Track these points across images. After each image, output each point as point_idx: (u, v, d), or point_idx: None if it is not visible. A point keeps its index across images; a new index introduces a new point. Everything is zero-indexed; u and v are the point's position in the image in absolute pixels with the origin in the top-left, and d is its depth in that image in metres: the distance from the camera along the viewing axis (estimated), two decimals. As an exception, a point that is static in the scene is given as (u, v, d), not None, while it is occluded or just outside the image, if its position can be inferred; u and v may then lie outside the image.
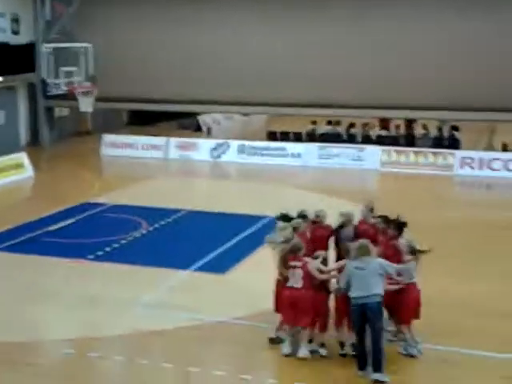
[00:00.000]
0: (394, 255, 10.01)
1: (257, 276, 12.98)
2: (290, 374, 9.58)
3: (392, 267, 9.51)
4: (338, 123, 27.93)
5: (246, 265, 14.04)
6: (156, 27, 27.64)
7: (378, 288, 9.25)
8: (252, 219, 17.22)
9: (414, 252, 9.97)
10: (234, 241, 15.64)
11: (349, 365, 9.53)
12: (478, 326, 10.98)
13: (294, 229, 10.57)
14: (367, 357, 9.31)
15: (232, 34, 26.72)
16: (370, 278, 9.25)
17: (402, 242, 10.21)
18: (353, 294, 9.33)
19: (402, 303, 9.88)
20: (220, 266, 13.90)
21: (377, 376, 9.15)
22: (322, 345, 10.08)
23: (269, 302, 10.51)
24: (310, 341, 10.06)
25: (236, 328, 11.05)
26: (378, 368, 9.17)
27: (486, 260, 14.36)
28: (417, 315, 10.02)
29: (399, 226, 10.45)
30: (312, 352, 9.93)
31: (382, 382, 9.13)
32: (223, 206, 18.73)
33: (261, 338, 10.52)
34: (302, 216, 10.98)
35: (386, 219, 10.69)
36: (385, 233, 10.58)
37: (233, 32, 26.68)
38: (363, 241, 9.69)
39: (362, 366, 9.35)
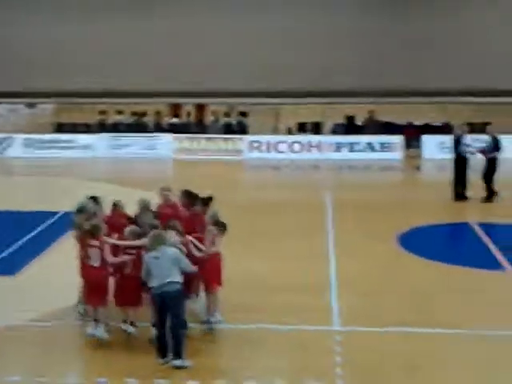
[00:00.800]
0: (200, 230, 10.27)
1: (49, 275, 12.54)
2: (89, 370, 9.41)
3: (187, 265, 9.53)
4: (129, 113, 27.62)
5: (38, 264, 13.44)
6: None
7: (176, 276, 9.31)
8: (43, 215, 16.54)
9: (217, 223, 10.23)
10: (24, 240, 14.91)
11: (150, 354, 9.49)
12: (273, 301, 11.42)
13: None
14: (167, 344, 9.35)
15: (18, 18, 25.29)
16: (167, 266, 9.28)
17: (208, 215, 10.43)
18: (152, 283, 9.32)
19: (205, 272, 10.11)
20: (10, 267, 13.18)
21: (177, 362, 9.22)
22: (132, 323, 9.96)
23: (62, 301, 10.21)
24: (125, 321, 9.91)
25: (30, 330, 10.56)
26: (178, 354, 9.24)
27: (276, 240, 14.97)
28: (219, 283, 10.28)
29: (204, 201, 10.74)
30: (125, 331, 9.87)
31: (182, 368, 9.22)
32: (10, 204, 17.76)
33: (55, 338, 10.21)
34: (93, 198, 10.94)
35: (189, 194, 10.89)
36: (189, 208, 10.75)
37: (19, 16, 25.26)
38: (157, 231, 9.70)
39: (162, 354, 9.36)
